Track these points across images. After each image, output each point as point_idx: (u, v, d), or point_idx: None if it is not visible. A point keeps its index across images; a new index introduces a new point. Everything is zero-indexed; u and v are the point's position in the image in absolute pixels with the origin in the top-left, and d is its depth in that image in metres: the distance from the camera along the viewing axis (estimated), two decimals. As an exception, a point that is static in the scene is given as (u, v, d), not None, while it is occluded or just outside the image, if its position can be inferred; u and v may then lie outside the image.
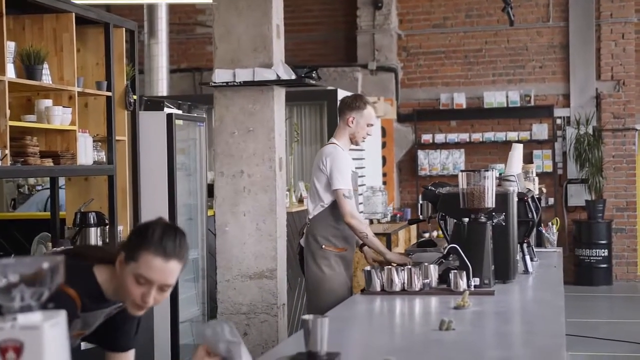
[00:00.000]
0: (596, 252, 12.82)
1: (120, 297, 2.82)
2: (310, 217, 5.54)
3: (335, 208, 5.40)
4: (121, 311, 2.95)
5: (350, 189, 5.40)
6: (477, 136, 13.43)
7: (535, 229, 6.50)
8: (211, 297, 7.09)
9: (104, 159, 6.02)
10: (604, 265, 12.86)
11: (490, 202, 4.56)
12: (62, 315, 1.83)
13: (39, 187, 9.02)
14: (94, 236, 5.80)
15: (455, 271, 4.38)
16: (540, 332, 3.52)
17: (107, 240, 6.06)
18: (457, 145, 13.52)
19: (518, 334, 3.59)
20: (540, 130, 13.29)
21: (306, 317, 2.82)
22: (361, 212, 10.39)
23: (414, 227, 11.15)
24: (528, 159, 12.96)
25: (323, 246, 5.47)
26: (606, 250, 12.85)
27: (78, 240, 5.68)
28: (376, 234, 9.33)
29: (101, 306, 2.88)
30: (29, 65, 5.21)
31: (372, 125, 5.62)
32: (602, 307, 11.82)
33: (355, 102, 5.57)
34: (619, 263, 13.19)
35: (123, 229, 6.28)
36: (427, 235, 11.17)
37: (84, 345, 4.86)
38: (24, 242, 6.57)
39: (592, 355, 8.54)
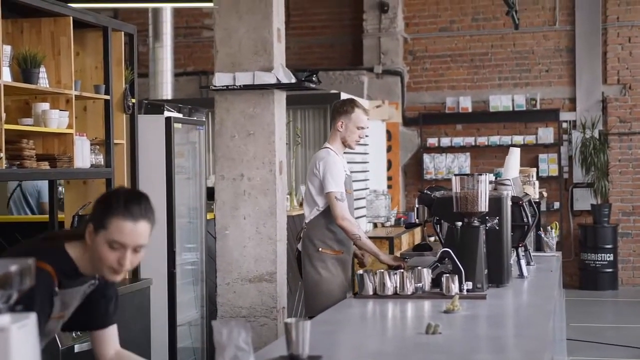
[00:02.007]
0: (602, 256, 12.78)
1: (95, 269, 2.91)
2: (307, 221, 5.61)
3: (330, 212, 5.45)
4: (96, 290, 3.04)
5: (342, 192, 5.46)
6: (482, 140, 13.42)
7: (534, 233, 6.51)
8: (211, 300, 7.10)
9: (102, 162, 6.05)
10: (610, 270, 12.82)
11: (483, 206, 4.55)
12: (31, 318, 1.85)
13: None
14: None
15: (447, 275, 4.38)
16: (525, 336, 3.52)
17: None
18: (462, 149, 13.50)
19: (503, 338, 3.59)
20: (546, 134, 13.26)
21: (288, 320, 2.84)
22: (363, 215, 10.42)
23: (418, 231, 11.14)
24: (533, 162, 12.95)
25: (320, 249, 5.54)
26: (612, 254, 12.81)
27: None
28: (379, 238, 9.40)
29: (77, 283, 2.95)
30: (25, 68, 5.23)
31: (362, 128, 5.64)
32: (608, 311, 11.78)
33: (344, 107, 5.64)
34: (624, 268, 13.15)
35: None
36: (432, 239, 11.16)
37: (79, 348, 4.90)
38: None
39: (596, 360, 8.53)
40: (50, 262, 2.84)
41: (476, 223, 4.58)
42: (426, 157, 13.57)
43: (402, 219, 10.94)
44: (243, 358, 2.54)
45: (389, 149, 13.03)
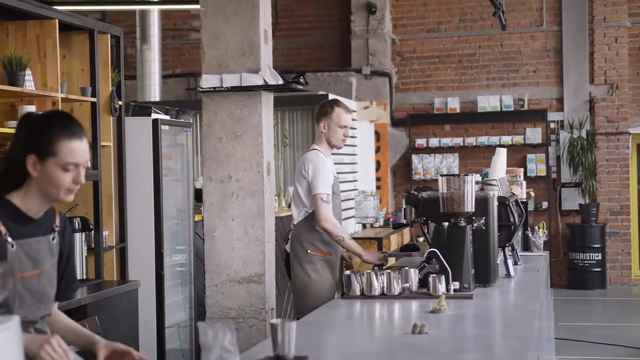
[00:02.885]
0: (590, 255, 12.82)
1: (47, 197, 2.88)
2: (295, 222, 5.65)
3: None
4: (63, 244, 3.03)
5: (329, 194, 5.51)
6: (471, 140, 13.45)
7: (520, 233, 6.53)
8: (199, 302, 7.10)
9: (89, 165, 6.04)
10: (598, 269, 12.87)
11: (469, 206, 4.57)
12: (14, 320, 1.85)
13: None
14: (79, 242, 5.81)
15: (435, 275, 4.39)
16: (509, 335, 3.53)
17: (93, 245, 6.08)
18: (451, 149, 13.53)
19: (489, 338, 3.60)
20: (534, 134, 13.29)
21: (274, 321, 2.85)
22: (352, 216, 10.43)
23: (407, 231, 11.16)
24: (522, 162, 12.99)
25: (309, 251, 5.59)
26: (600, 254, 12.86)
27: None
28: (368, 239, 9.41)
29: (31, 229, 2.91)
30: (11, 71, 5.23)
31: (345, 126, 5.70)
32: (596, 310, 11.82)
33: (323, 108, 5.74)
34: (612, 267, 13.19)
35: (108, 235, 6.30)
36: (421, 239, 11.17)
37: (75, 347, 4.88)
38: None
39: (585, 359, 8.54)
40: None
41: (463, 223, 4.59)
42: (415, 158, 13.59)
43: (391, 219, 10.95)
44: (229, 359, 2.55)
45: (377, 150, 13.05)
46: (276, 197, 8.66)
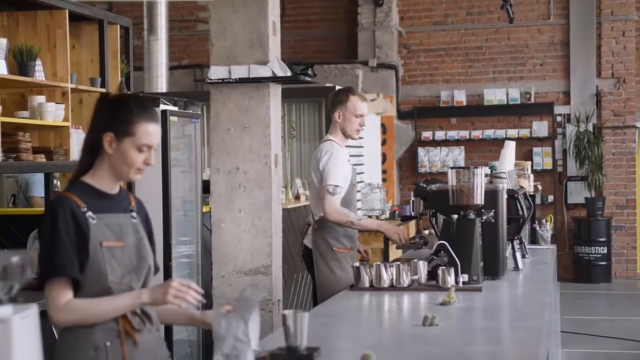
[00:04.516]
0: (595, 249, 12.82)
1: (118, 174, 3.01)
2: (316, 218, 5.49)
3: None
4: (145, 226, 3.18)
5: (336, 186, 5.38)
6: (477, 133, 13.44)
7: (529, 226, 6.53)
8: (206, 293, 7.09)
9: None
10: (603, 263, 12.87)
11: (479, 199, 4.57)
12: (33, 309, 1.86)
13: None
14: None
15: (444, 267, 4.39)
16: (521, 328, 3.53)
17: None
18: (457, 142, 13.53)
19: (499, 330, 3.61)
20: (540, 128, 13.29)
21: (286, 312, 2.85)
22: (358, 208, 10.42)
23: (413, 224, 11.16)
24: (528, 156, 12.98)
25: (334, 248, 5.45)
26: (605, 247, 12.86)
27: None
28: (374, 231, 9.36)
29: (109, 206, 3.04)
30: (21, 61, 5.24)
31: (361, 116, 5.54)
32: (601, 304, 11.83)
33: (338, 97, 5.58)
34: (618, 260, 13.19)
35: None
36: (427, 232, 11.17)
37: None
38: (21, 238, 6.59)
39: (590, 352, 8.55)
40: (67, 190, 3.01)
41: (472, 216, 4.59)
42: (421, 151, 13.59)
43: (397, 212, 10.94)
44: (242, 349, 2.55)
45: (383, 143, 13.04)
46: (283, 189, 8.66)
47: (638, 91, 13.30)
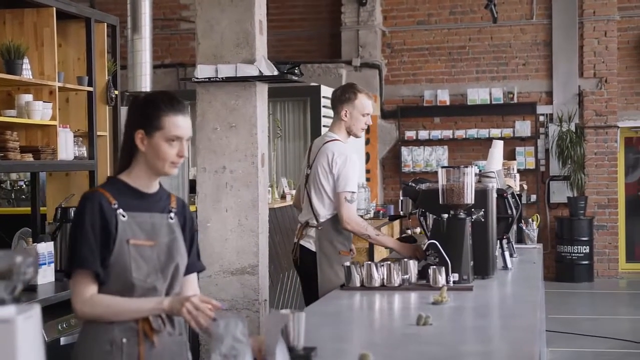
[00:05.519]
0: (577, 248, 12.89)
1: (154, 170, 3.07)
2: (322, 219, 5.31)
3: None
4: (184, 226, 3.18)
5: (353, 192, 5.22)
6: (460, 133, 13.48)
7: (515, 226, 6.55)
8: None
9: (85, 154, 6.02)
10: (586, 262, 12.93)
11: (469, 198, 4.58)
12: (36, 309, 1.84)
13: (21, 183, 8.98)
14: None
15: (434, 267, 4.40)
16: (514, 327, 3.55)
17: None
18: (440, 141, 13.56)
19: (493, 329, 3.62)
20: (523, 127, 13.34)
21: (284, 311, 2.84)
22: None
23: (397, 224, 11.18)
24: (511, 155, 13.02)
25: (340, 251, 5.32)
26: (587, 246, 12.92)
27: (58, 236, 5.65)
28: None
29: (145, 205, 3.08)
30: (9, 59, 5.20)
31: (367, 114, 5.36)
32: (584, 303, 11.89)
33: (345, 94, 5.37)
34: (600, 260, 13.26)
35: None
36: (409, 231, 11.19)
37: (64, 341, 4.87)
38: (4, 238, 6.55)
39: (573, 351, 8.59)
40: (101, 186, 3.12)
41: (462, 215, 4.60)
42: (404, 150, 13.61)
43: (381, 211, 10.96)
44: (240, 349, 2.54)
45: (367, 142, 13.06)
46: (269, 189, 8.65)
47: (620, 91, 13.38)
